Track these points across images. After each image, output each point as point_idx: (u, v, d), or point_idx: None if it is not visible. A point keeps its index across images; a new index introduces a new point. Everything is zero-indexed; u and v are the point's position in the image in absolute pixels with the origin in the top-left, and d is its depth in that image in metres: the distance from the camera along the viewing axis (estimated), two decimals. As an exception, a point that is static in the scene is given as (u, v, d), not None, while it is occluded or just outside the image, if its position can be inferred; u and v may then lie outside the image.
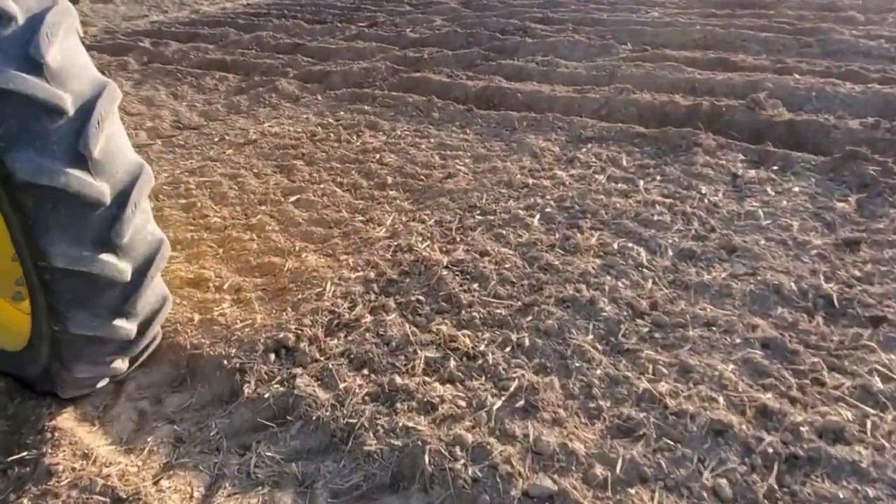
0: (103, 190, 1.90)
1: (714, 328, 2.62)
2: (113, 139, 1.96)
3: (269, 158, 4.66)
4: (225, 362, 2.55)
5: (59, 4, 1.91)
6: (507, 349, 2.55)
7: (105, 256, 1.96)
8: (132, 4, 13.17)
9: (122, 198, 1.97)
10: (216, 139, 5.17)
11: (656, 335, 2.60)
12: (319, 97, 6.12)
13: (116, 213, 1.96)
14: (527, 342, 2.57)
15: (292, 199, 3.99)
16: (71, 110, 1.83)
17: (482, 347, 2.56)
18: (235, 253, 3.41)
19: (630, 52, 6.92)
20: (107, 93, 1.93)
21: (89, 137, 1.85)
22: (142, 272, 2.11)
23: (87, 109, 1.87)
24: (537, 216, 3.55)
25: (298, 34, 9.25)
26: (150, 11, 12.78)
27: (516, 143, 4.59)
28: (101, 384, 2.45)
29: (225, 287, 3.10)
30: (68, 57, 1.88)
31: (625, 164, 4.17)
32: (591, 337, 2.59)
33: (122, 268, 2.01)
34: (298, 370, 2.51)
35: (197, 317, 2.86)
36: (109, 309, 2.07)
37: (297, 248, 3.42)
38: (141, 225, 2.08)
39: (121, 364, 2.35)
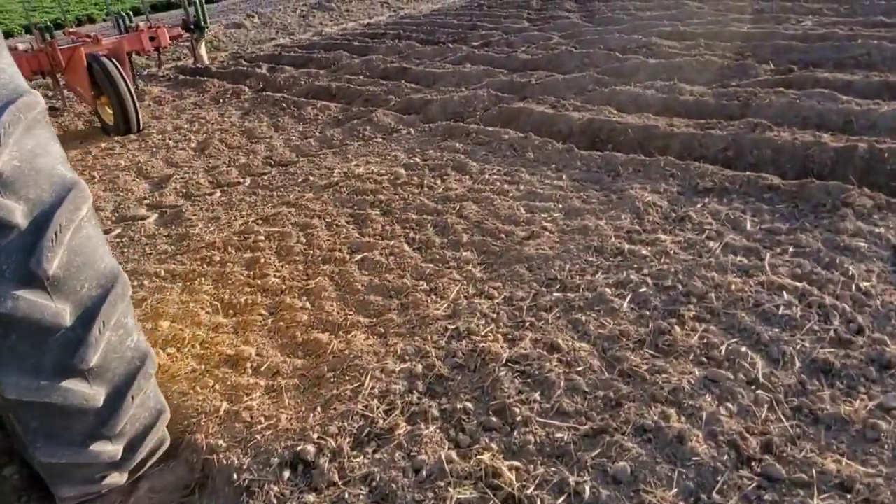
0: (62, 311, 1.66)
1: (850, 495, 1.94)
2: (79, 250, 1.72)
3: (345, 205, 4.42)
4: (235, 476, 2.26)
5: (21, 98, 1.69)
6: (562, 498, 2.04)
7: (69, 384, 1.72)
8: (262, 28, 13.84)
9: (89, 317, 1.72)
10: (300, 179, 5.03)
11: (766, 497, 1.96)
12: (413, 131, 5.85)
13: (81, 336, 1.71)
14: (587, 491, 2.04)
15: (357, 257, 3.69)
16: (23, 223, 1.60)
17: (530, 490, 2.07)
18: (284, 325, 3.16)
19: (771, 74, 5.99)
20: (72, 197, 1.69)
21: (43, 254, 1.61)
22: (120, 393, 1.86)
23: (43, 220, 1.63)
24: (628, 297, 2.97)
25: (408, 57, 9.12)
26: (278, 34, 13.34)
27: (617, 195, 3.99)
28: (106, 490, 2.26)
29: (262, 369, 2.84)
30: (26, 159, 1.66)
31: (748, 227, 3.44)
32: (673, 492, 2.01)
33: (92, 393, 1.77)
34: (311, 497, 2.16)
35: (224, 406, 2.62)
36: (84, 435, 1.84)
37: (349, 322, 3.10)
38: (117, 342, 1.83)
39: (118, 478, 2.13)
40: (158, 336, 3.16)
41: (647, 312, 2.87)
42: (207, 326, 3.21)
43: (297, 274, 3.63)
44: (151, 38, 7.97)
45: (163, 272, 3.81)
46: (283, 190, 4.89)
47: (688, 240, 3.39)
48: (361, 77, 8.32)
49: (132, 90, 6.87)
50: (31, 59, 7.10)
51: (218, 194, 5.07)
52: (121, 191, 5.43)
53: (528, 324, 2.90)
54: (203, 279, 3.68)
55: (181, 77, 9.80)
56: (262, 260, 3.79)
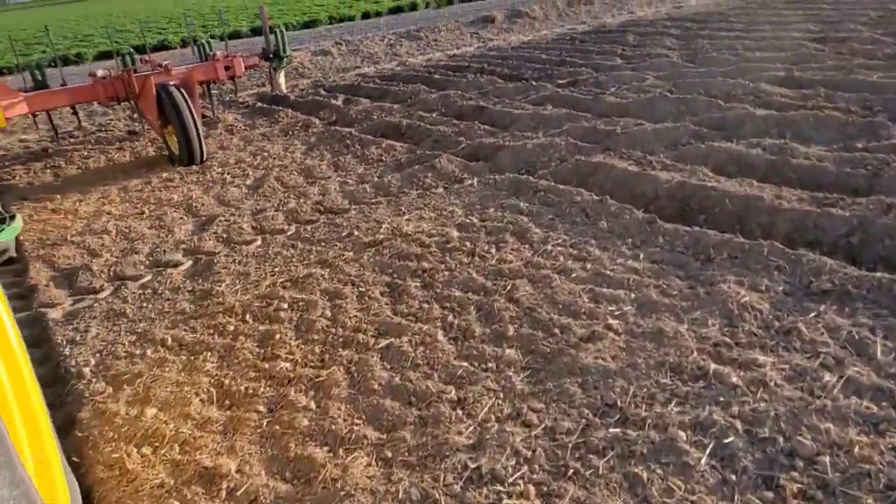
0: None
1: None
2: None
3: (384, 271, 3.93)
4: None
5: None
6: None
7: None
8: (348, 56, 13.86)
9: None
10: (344, 234, 4.61)
11: None
12: (477, 182, 5.32)
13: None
14: None
15: (383, 343, 3.18)
16: None
17: None
18: (280, 429, 2.67)
19: (909, 138, 5.04)
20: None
21: None
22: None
23: None
24: (708, 449, 2.27)
25: (488, 94, 8.65)
26: (363, 63, 13.29)
27: (704, 289, 3.27)
28: None
29: (239, 493, 2.36)
30: None
31: (879, 356, 2.65)
32: None
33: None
34: None
35: (181, 545, 2.14)
36: None
37: (353, 436, 2.57)
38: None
39: None
40: (139, 427, 2.76)
41: (734, 477, 2.16)
42: (195, 421, 2.78)
43: (311, 359, 3.15)
44: (226, 68, 7.94)
45: (170, 340, 3.45)
46: (323, 245, 4.48)
47: (795, 366, 2.64)
48: (435, 114, 7.91)
49: (198, 121, 6.77)
50: (108, 85, 7.18)
51: (257, 243, 4.73)
52: (164, 230, 5.21)
53: (571, 472, 2.26)
54: (209, 354, 3.28)
55: (258, 105, 9.80)
56: (278, 336, 3.35)
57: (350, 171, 6.15)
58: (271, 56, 9.08)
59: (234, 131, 8.37)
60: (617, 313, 3.17)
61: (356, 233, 4.58)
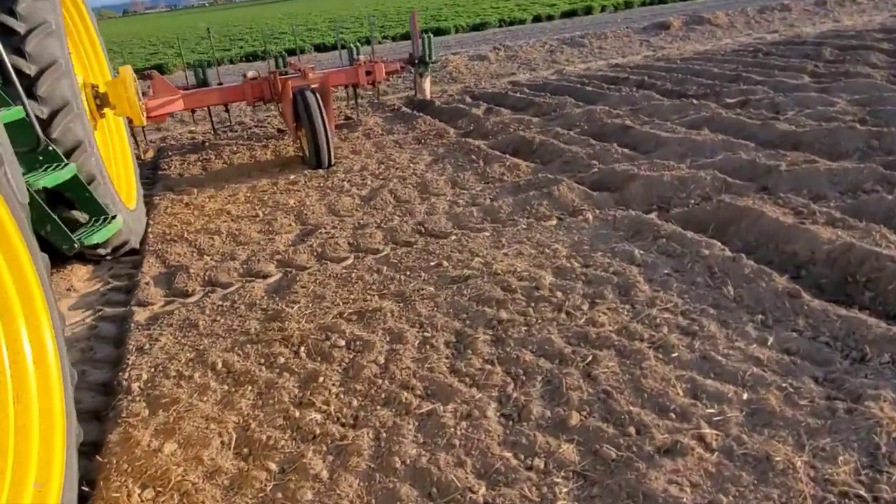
0: None
1: None
2: None
3: (458, 316, 3.52)
4: None
5: None
6: None
7: None
8: (504, 62, 13.56)
9: None
10: (433, 263, 4.26)
11: None
12: (594, 217, 4.72)
13: None
14: None
15: (425, 408, 2.77)
16: None
17: None
18: (281, 499, 2.38)
19: None
20: None
21: None
22: None
23: None
24: None
25: (639, 111, 7.85)
26: (519, 69, 12.91)
27: (847, 405, 2.46)
28: None
29: (210, 574, 2.10)
30: None
31: None
32: None
33: None
34: None
35: None
36: None
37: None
38: None
39: None
40: (152, 464, 2.62)
41: None
42: (205, 469, 2.58)
43: (345, 413, 2.84)
44: (368, 73, 7.96)
45: (220, 364, 3.32)
46: (407, 273, 4.17)
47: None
48: (574, 131, 7.31)
49: (329, 127, 6.81)
50: (255, 86, 7.50)
51: (348, 261, 4.55)
52: (269, 236, 5.23)
53: None
54: (249, 388, 3.09)
55: (402, 110, 9.80)
56: (322, 378, 3.08)
57: (466, 190, 5.80)
58: (416, 61, 9.00)
59: (371, 136, 8.39)
60: (717, 419, 2.49)
61: (445, 264, 4.21)
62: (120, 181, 5.83)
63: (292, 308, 3.86)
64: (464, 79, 12.46)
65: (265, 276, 4.50)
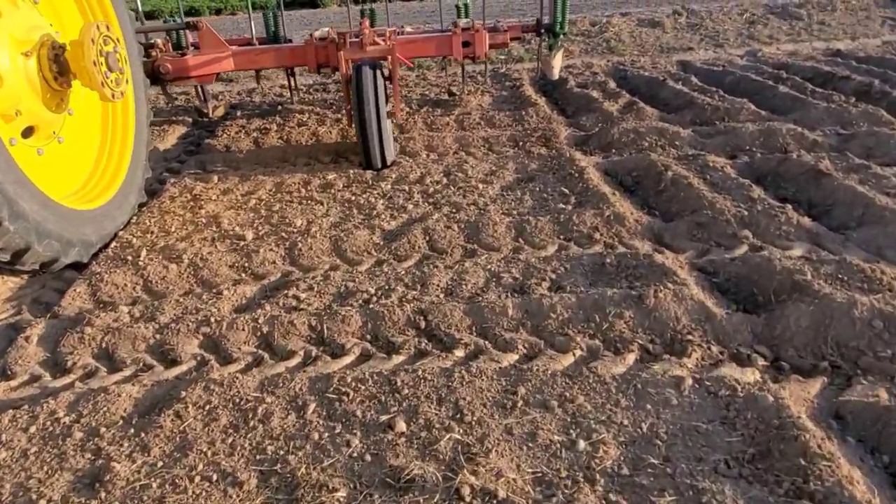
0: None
1: None
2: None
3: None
4: None
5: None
6: None
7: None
8: (683, 31, 10.86)
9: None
10: (380, 428, 2.55)
11: None
12: (691, 383, 2.69)
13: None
14: None
15: None
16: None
17: None
18: None
19: None
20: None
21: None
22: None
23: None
24: None
25: (848, 143, 5.31)
26: (700, 44, 10.21)
27: None
28: None
29: None
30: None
31: None
32: None
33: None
34: None
35: None
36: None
37: None
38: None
39: None
40: None
41: None
42: None
43: None
44: (465, 44, 6.12)
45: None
46: (346, 425, 2.51)
47: None
48: (733, 166, 5.02)
49: (382, 117, 5.16)
50: (320, 50, 6.02)
51: (290, 362, 2.99)
52: (214, 291, 3.80)
53: None
54: None
55: (522, 89, 7.83)
56: None
57: (526, 251, 3.93)
58: (543, 30, 6.94)
59: (463, 125, 6.61)
60: None
61: (399, 445, 2.47)
62: (98, 170, 4.71)
63: (115, 466, 2.38)
64: (623, 50, 10.04)
65: (172, 363, 3.09)
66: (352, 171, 5.41)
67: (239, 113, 7.74)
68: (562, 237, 4.09)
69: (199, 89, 7.32)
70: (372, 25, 7.07)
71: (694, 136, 5.69)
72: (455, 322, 3.19)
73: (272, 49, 6.11)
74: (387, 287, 3.57)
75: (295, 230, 4.40)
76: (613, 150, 5.62)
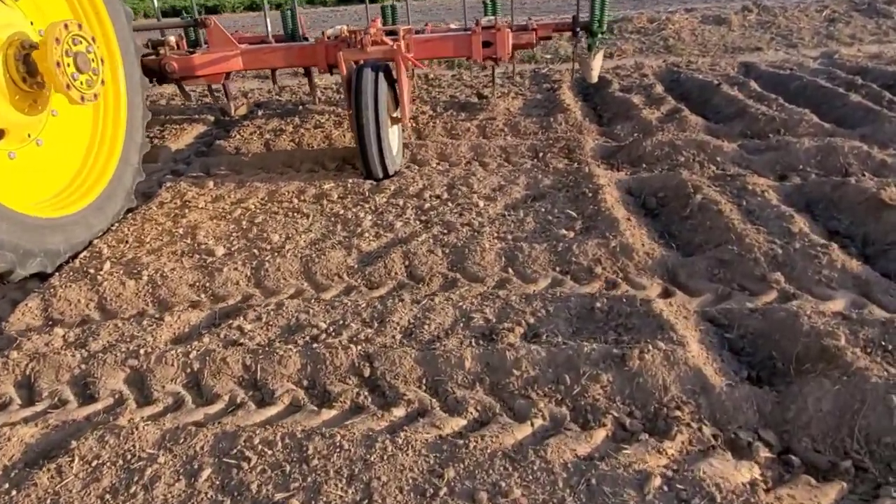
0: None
1: None
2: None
3: None
4: None
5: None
6: None
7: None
8: (752, 29, 9.96)
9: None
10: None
11: None
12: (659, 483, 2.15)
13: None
14: None
15: None
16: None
17: None
18: None
19: None
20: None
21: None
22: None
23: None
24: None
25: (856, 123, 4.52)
26: (770, 44, 9.32)
27: None
28: None
29: None
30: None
31: None
32: None
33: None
34: None
35: None
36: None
37: None
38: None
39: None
40: None
41: None
42: None
43: None
44: (486, 44, 5.63)
45: None
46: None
47: None
48: (778, 189, 4.35)
49: (383, 124, 4.76)
50: (331, 49, 5.66)
51: (198, 414, 2.64)
52: (188, 300, 3.49)
53: None
54: None
55: (559, 91, 7.25)
56: None
57: (515, 283, 3.45)
58: (578, 29, 6.36)
59: (485, 132, 6.13)
60: None
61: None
62: (82, 174, 4.51)
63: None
64: (681, 50, 9.26)
65: (89, 399, 2.79)
66: (351, 181, 5.04)
67: (261, 112, 7.52)
68: (557, 269, 3.57)
69: (223, 87, 7.12)
70: (392, 22, 6.68)
71: (739, 152, 5.01)
72: (404, 372, 2.75)
73: (281, 48, 5.80)
74: (341, 322, 3.16)
75: (269, 247, 4.05)
76: (644, 165, 5.01)
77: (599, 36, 6.34)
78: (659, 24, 9.91)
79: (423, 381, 2.72)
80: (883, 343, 2.61)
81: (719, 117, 6.09)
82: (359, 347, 2.88)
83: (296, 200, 4.81)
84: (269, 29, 6.39)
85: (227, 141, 6.42)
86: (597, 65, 6.67)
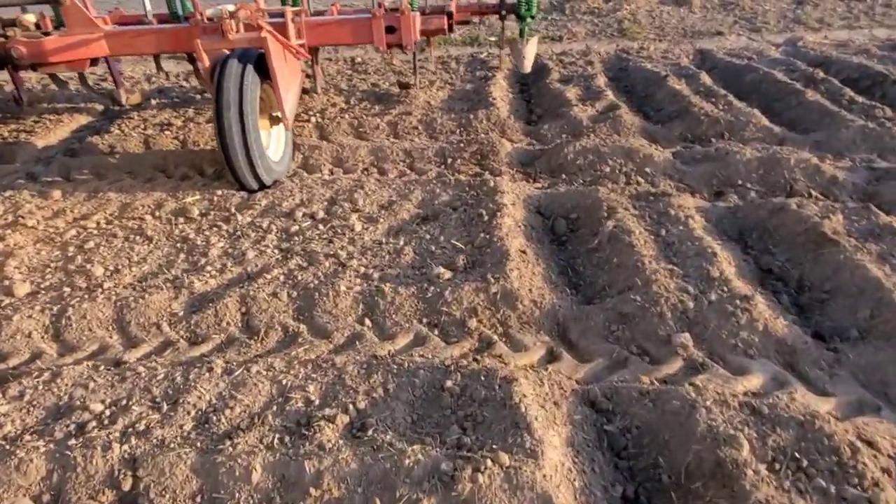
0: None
1: None
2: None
3: None
4: None
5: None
6: None
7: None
8: (712, 12, 9.31)
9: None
10: None
11: None
12: None
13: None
14: None
15: None
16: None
17: None
18: None
19: None
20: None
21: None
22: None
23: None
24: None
25: (881, 183, 3.91)
26: (732, 28, 8.66)
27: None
28: None
29: None
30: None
31: None
32: None
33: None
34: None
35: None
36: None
37: None
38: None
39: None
40: None
41: None
42: None
43: None
44: (390, 30, 4.89)
45: None
46: None
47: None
48: (712, 210, 3.72)
49: (248, 127, 4.03)
50: (210, 31, 4.88)
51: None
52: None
53: None
54: None
55: (493, 79, 6.53)
56: None
57: (339, 362, 2.79)
58: (504, 12, 5.63)
59: (397, 130, 5.41)
60: None
61: None
62: None
63: None
64: (636, 34, 8.55)
65: None
66: (220, 193, 4.31)
67: (156, 102, 6.71)
68: (424, 320, 2.92)
69: (111, 72, 6.29)
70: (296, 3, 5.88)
71: (673, 162, 4.37)
72: (174, 487, 2.09)
73: (152, 31, 5.00)
74: (124, 402, 2.47)
75: (85, 285, 3.34)
76: (563, 176, 4.36)
77: (529, 20, 5.61)
78: (614, 5, 9.19)
79: (198, 499, 2.06)
80: (797, 456, 1.99)
81: (660, 116, 5.43)
82: (125, 447, 2.21)
83: (148, 218, 4.08)
84: (149, 7, 5.57)
85: (102, 137, 5.63)
86: (530, 53, 5.94)
